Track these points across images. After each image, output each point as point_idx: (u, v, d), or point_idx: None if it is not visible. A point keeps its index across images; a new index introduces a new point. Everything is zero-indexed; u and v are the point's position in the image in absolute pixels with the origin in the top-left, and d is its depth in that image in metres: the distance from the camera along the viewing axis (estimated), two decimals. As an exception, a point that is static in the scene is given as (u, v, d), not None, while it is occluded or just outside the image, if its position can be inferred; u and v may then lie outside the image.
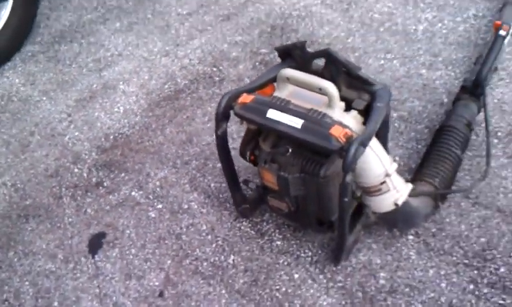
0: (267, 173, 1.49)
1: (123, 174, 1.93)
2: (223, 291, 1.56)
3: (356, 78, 1.46)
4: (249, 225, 1.71)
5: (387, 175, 1.43)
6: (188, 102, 2.18)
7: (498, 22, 1.87)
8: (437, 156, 1.68)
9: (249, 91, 1.50)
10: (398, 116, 1.98)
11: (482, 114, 1.80)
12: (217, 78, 2.27)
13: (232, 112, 1.47)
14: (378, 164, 1.41)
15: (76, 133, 2.14)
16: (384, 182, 1.44)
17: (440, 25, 2.37)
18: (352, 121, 1.40)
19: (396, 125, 1.95)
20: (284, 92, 1.46)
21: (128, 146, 2.04)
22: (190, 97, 2.20)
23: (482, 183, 1.68)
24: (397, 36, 2.34)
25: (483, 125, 1.81)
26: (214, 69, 2.33)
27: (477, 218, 1.63)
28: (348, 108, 1.44)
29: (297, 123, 1.35)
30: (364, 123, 1.39)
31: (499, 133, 1.86)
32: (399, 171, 1.70)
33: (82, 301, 1.60)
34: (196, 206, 1.78)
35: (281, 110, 1.38)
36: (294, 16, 2.56)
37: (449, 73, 2.12)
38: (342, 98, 1.44)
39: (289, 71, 1.43)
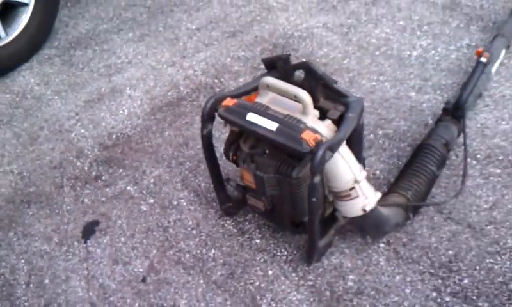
0: (245, 172, 1.61)
1: (121, 170, 2.06)
2: (201, 281, 1.67)
3: (332, 91, 1.58)
4: (232, 223, 1.82)
5: (356, 181, 1.53)
6: (188, 108, 2.32)
7: (480, 49, 1.98)
8: (412, 171, 1.79)
9: (234, 96, 1.62)
10: (383, 133, 2.09)
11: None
12: (217, 89, 2.40)
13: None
14: (347, 170, 1.52)
15: (82, 131, 2.28)
16: (353, 188, 1.54)
17: (433, 52, 2.48)
18: (325, 128, 1.51)
19: (381, 141, 2.06)
20: (265, 98, 1.59)
21: (128, 145, 2.17)
22: (190, 104, 2.34)
23: (457, 200, 1.79)
24: (391, 60, 2.46)
25: (463, 146, 1.92)
26: (216, 80, 2.47)
27: (448, 232, 1.73)
28: (324, 117, 1.56)
29: (272, 126, 1.47)
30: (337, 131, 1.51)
31: (478, 156, 1.96)
32: (379, 184, 1.82)
33: (71, 281, 1.72)
34: (185, 203, 1.91)
35: (260, 114, 1.51)
36: (295, 37, 2.69)
37: (437, 97, 2.23)
38: (319, 109, 1.56)
39: (269, 80, 1.55)
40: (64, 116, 2.37)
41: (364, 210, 1.57)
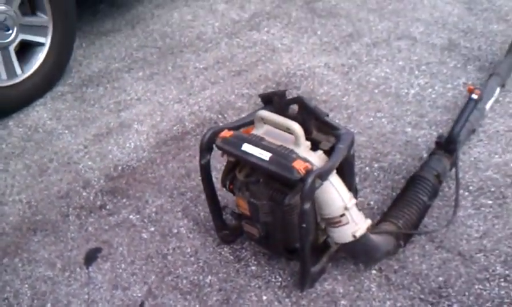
0: (240, 200, 1.68)
1: (124, 200, 2.14)
2: (197, 306, 1.73)
3: (324, 123, 1.66)
4: (230, 251, 1.88)
5: (346, 209, 1.60)
6: (192, 142, 2.41)
7: (471, 87, 2.05)
8: (404, 201, 1.85)
9: (231, 128, 1.71)
10: (379, 166, 2.16)
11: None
12: (221, 124, 2.49)
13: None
14: (337, 198, 1.59)
15: (89, 163, 2.37)
16: (343, 215, 1.61)
17: (430, 90, 2.57)
18: (316, 158, 1.59)
19: (376, 174, 2.13)
20: (260, 130, 1.67)
21: (133, 176, 2.26)
22: (194, 138, 2.43)
23: (449, 229, 1.85)
24: (389, 98, 2.54)
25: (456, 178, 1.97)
26: (220, 116, 2.57)
27: (439, 259, 1.77)
28: (316, 148, 1.64)
29: (266, 156, 1.55)
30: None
31: (470, 187, 2.02)
32: (373, 214, 1.88)
33: (71, 305, 1.78)
34: (184, 232, 1.98)
35: (254, 145, 1.59)
36: (297, 76, 2.79)
37: (432, 132, 2.30)
38: (312, 140, 1.64)
39: (264, 113, 1.64)
40: (73, 148, 2.47)
41: (354, 236, 1.63)
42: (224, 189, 1.76)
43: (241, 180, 1.66)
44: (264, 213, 1.64)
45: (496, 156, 2.15)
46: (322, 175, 1.51)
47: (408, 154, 2.20)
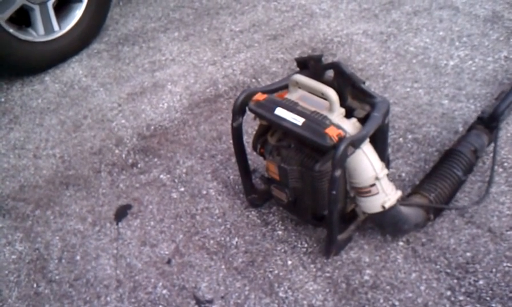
0: (270, 164, 1.68)
1: (155, 159, 2.16)
2: (223, 267, 1.75)
3: (360, 91, 1.63)
4: (257, 214, 1.89)
5: (377, 179, 1.58)
6: (225, 105, 2.41)
7: None
8: (438, 174, 1.82)
9: (265, 91, 1.70)
10: (413, 138, 2.12)
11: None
12: (254, 88, 2.48)
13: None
14: (369, 167, 1.57)
15: (122, 121, 2.40)
16: (373, 185, 1.59)
17: (470, 62, 2.50)
18: (350, 126, 1.57)
19: (409, 145, 2.09)
20: (294, 95, 1.65)
21: (165, 136, 2.27)
22: (227, 101, 2.42)
23: (480, 205, 1.81)
24: (427, 68, 2.48)
25: (492, 154, 1.93)
26: (253, 80, 2.55)
27: (467, 235, 1.75)
28: (351, 116, 1.61)
29: (299, 121, 1.53)
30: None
31: (505, 164, 1.97)
32: (404, 186, 1.86)
33: (100, 259, 1.83)
34: (213, 193, 1.99)
35: (288, 110, 1.57)
36: (334, 42, 2.75)
37: (469, 106, 2.25)
38: (347, 107, 1.61)
39: (298, 77, 1.62)
40: (107, 106, 2.50)
41: (383, 207, 1.61)
42: (254, 153, 1.76)
43: (272, 144, 1.65)
44: (293, 178, 1.63)
45: (535, 132, 2.08)
46: (355, 143, 1.49)
47: (443, 127, 2.15)
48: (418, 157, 2.04)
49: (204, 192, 2.00)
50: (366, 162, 1.57)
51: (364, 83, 1.64)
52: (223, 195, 1.97)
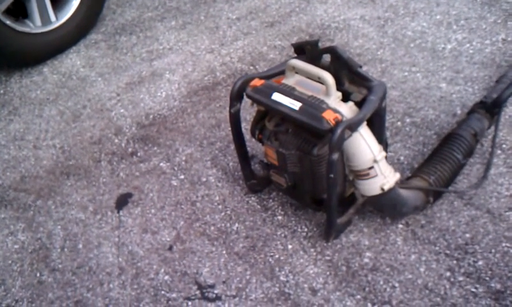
0: (269, 149, 1.68)
1: (155, 148, 2.17)
2: (224, 252, 1.76)
3: (357, 75, 1.64)
4: (257, 200, 1.90)
5: (375, 161, 1.59)
6: (223, 93, 2.41)
7: None
8: (438, 158, 1.83)
9: (262, 77, 1.70)
10: (411, 121, 2.13)
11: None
12: (252, 76, 2.48)
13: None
14: (367, 150, 1.58)
15: (121, 110, 2.41)
16: (372, 167, 1.60)
17: (468, 45, 2.50)
18: (347, 110, 1.57)
19: (407, 129, 2.10)
20: (291, 80, 1.66)
21: (164, 125, 2.28)
22: (225, 89, 2.43)
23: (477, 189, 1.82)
24: (424, 52, 2.48)
25: (490, 136, 1.94)
26: (251, 67, 2.55)
27: (467, 216, 1.76)
28: (348, 100, 1.62)
29: (296, 105, 1.54)
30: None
31: (504, 146, 1.98)
32: (402, 169, 1.87)
33: (102, 246, 1.84)
34: (213, 180, 2.00)
35: (285, 94, 1.58)
36: (332, 28, 2.75)
37: (467, 89, 2.25)
38: (344, 91, 1.62)
39: (295, 62, 1.62)
40: (106, 96, 2.50)
41: (382, 189, 1.62)
42: (253, 139, 1.77)
43: (270, 129, 1.66)
44: (291, 163, 1.64)
45: (533, 114, 2.09)
46: (352, 126, 1.49)
47: (442, 110, 2.16)
48: (417, 141, 2.04)
49: (204, 179, 2.01)
50: (364, 145, 1.57)
51: (361, 67, 1.64)
52: (223, 182, 1.98)
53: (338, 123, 1.46)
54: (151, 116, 2.34)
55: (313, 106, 1.52)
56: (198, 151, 2.13)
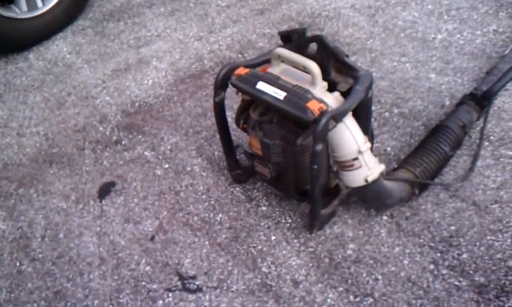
0: (253, 139, 1.66)
1: (140, 136, 2.14)
2: (206, 243, 1.74)
3: (343, 64, 1.61)
4: (241, 190, 1.88)
5: (360, 152, 1.56)
6: (210, 81, 2.38)
7: None
8: (425, 149, 1.80)
9: (247, 66, 1.67)
10: (399, 112, 2.11)
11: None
12: (240, 64, 2.45)
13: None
14: (351, 141, 1.55)
15: (107, 98, 2.37)
16: (356, 158, 1.58)
17: (458, 36, 2.47)
18: (332, 100, 1.55)
19: (395, 119, 2.08)
20: (277, 69, 1.63)
21: (149, 113, 2.25)
22: (212, 77, 2.40)
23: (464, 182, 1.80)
24: (415, 42, 2.46)
25: (478, 128, 1.92)
26: (239, 55, 2.52)
27: (452, 209, 1.74)
28: (334, 90, 1.59)
29: (280, 95, 1.51)
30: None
31: (491, 137, 1.96)
32: (389, 160, 1.85)
33: (84, 236, 1.81)
34: (197, 170, 1.97)
35: (270, 83, 1.55)
36: (322, 16, 2.71)
37: (456, 79, 2.23)
38: (330, 81, 1.59)
39: (280, 50, 1.60)
40: (91, 83, 2.47)
41: (366, 181, 1.60)
42: (238, 129, 1.74)
43: (255, 119, 1.63)
44: (275, 153, 1.62)
45: (522, 106, 2.07)
46: (337, 117, 1.47)
47: (430, 101, 2.13)
48: (404, 131, 2.02)
49: (188, 168, 1.98)
50: (348, 136, 1.55)
51: (347, 56, 1.61)
52: (208, 171, 1.96)
53: (322, 113, 1.44)
54: (136, 104, 2.31)
55: (298, 96, 1.49)
56: (183, 140, 2.11)
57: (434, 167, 1.77)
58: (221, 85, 1.67)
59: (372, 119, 1.75)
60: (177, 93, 2.35)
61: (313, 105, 1.45)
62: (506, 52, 2.20)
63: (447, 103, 2.11)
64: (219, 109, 1.72)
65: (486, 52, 2.35)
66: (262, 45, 2.57)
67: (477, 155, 1.86)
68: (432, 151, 1.78)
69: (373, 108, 1.95)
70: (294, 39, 1.70)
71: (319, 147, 1.46)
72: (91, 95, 2.40)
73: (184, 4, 2.96)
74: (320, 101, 1.48)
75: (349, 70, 1.60)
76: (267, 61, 1.69)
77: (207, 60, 2.52)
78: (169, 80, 2.43)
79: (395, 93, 2.20)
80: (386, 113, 2.11)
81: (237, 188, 1.88)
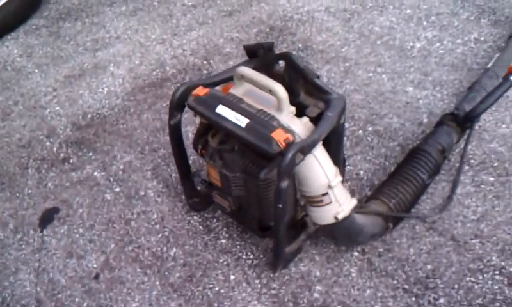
0: (211, 169, 1.48)
1: (90, 154, 1.95)
2: (157, 283, 1.56)
3: (313, 86, 1.44)
4: (200, 220, 1.70)
5: (330, 187, 1.40)
6: (171, 90, 2.19)
7: None
8: (401, 177, 1.64)
9: (207, 84, 1.49)
10: (373, 130, 1.95)
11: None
12: (205, 72, 2.27)
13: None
14: (321, 174, 1.38)
15: (57, 108, 2.16)
16: (326, 194, 1.41)
17: (438, 44, 2.31)
18: (301, 127, 1.37)
19: (369, 138, 1.92)
20: (240, 89, 1.45)
21: (103, 126, 2.05)
22: (174, 86, 2.21)
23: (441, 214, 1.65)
24: (391, 51, 2.29)
25: (458, 149, 1.77)
26: (205, 62, 2.33)
27: (429, 244, 1.59)
28: (303, 114, 1.42)
29: (242, 121, 1.33)
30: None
31: (472, 161, 1.81)
32: (361, 186, 1.69)
33: (19, 273, 1.62)
34: (152, 194, 1.79)
35: (231, 108, 1.36)
36: (294, 20, 2.53)
37: (435, 94, 2.07)
38: (298, 104, 1.42)
39: (244, 70, 1.41)
40: (41, 91, 2.26)
41: (336, 218, 1.43)
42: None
43: (214, 147, 1.44)
44: (236, 186, 1.44)
45: (504, 126, 1.93)
46: (305, 149, 1.30)
47: (407, 118, 1.98)
48: (378, 153, 1.86)
49: (142, 193, 1.80)
50: (318, 169, 1.38)
51: (318, 77, 1.45)
52: (163, 196, 1.77)
53: (289, 145, 1.26)
54: (89, 116, 2.11)
55: (262, 123, 1.31)
56: (138, 158, 1.92)
57: (411, 198, 1.61)
58: (177, 106, 1.49)
59: (344, 139, 1.58)
60: (134, 103, 2.15)
61: (278, 136, 1.27)
62: (489, 66, 2.05)
63: (425, 120, 1.96)
64: (175, 133, 1.54)
65: (466, 63, 2.20)
66: (229, 50, 2.38)
67: (457, 181, 1.71)
68: (408, 180, 1.62)
69: (346, 125, 1.79)
70: (260, 55, 1.52)
71: (285, 184, 1.29)
72: (39, 105, 2.19)
73: (147, 3, 2.75)
74: (287, 130, 1.30)
75: (319, 93, 1.43)
76: (229, 79, 1.51)
77: (169, 66, 2.32)
78: (126, 88, 2.23)
79: (369, 107, 2.04)
80: (360, 131, 1.95)
81: (195, 217, 1.71)
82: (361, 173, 1.81)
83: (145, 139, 1.99)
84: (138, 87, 2.23)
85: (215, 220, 1.69)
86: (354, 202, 1.47)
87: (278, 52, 1.50)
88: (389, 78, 2.17)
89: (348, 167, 1.81)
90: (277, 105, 1.36)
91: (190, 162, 1.66)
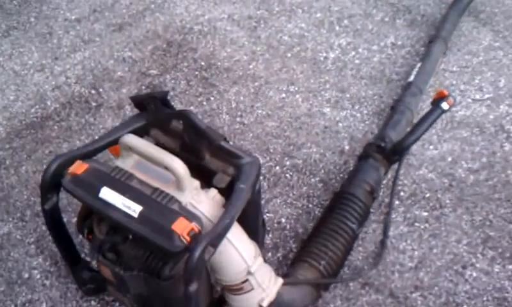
0: (102, 266, 1.19)
1: (-46, 229, 1.60)
2: None
3: (220, 149, 1.18)
4: (98, 305, 1.41)
5: (249, 273, 1.16)
6: (54, 132, 1.86)
7: (444, 92, 1.55)
8: (328, 231, 1.44)
9: (87, 154, 1.19)
10: (291, 164, 1.73)
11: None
12: (94, 104, 1.95)
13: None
14: (238, 260, 1.15)
15: None
16: (246, 280, 1.17)
17: (353, 53, 2.12)
18: (208, 206, 1.12)
19: (288, 175, 1.70)
20: (128, 162, 1.17)
21: (-30, 189, 1.70)
22: (57, 126, 1.88)
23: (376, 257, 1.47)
24: (304, 65, 2.08)
25: (385, 181, 1.60)
26: (93, 91, 2.01)
27: (366, 304, 1.40)
28: (210, 183, 1.16)
29: (134, 210, 1.05)
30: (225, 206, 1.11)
31: (402, 193, 1.64)
32: (285, 236, 1.49)
33: None
34: (38, 276, 1.47)
35: (118, 190, 1.08)
36: (195, 32, 2.25)
37: (355, 114, 1.88)
38: (204, 169, 1.16)
39: (131, 140, 1.13)
40: None
41: (261, 306, 1.20)
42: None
43: (101, 239, 1.15)
44: (135, 284, 1.16)
45: (431, 147, 1.77)
46: (216, 241, 1.04)
47: (326, 146, 1.78)
48: (300, 193, 1.65)
49: (26, 275, 1.48)
50: (234, 254, 1.14)
51: (225, 139, 1.19)
52: (52, 278, 1.47)
53: (195, 238, 1.00)
54: (-48, 176, 1.74)
55: (159, 211, 1.05)
56: (18, 228, 1.59)
57: (342, 254, 1.42)
58: (50, 187, 1.18)
59: (261, 178, 1.34)
60: (11, 152, 1.81)
61: (181, 227, 1.02)
62: (411, 79, 1.87)
63: (347, 147, 1.77)
64: (52, 219, 1.23)
65: (385, 74, 2.02)
66: (121, 74, 2.07)
67: (388, 222, 1.53)
68: (337, 233, 1.43)
69: (261, 161, 1.56)
70: (150, 110, 1.24)
71: (194, 287, 1.03)
72: None
73: (22, 20, 2.37)
74: (192, 216, 1.05)
75: (228, 156, 1.17)
76: (115, 142, 1.22)
77: (50, 100, 1.98)
78: (0, 133, 1.86)
79: (285, 136, 1.82)
80: (277, 167, 1.73)
81: (93, 302, 1.43)
82: (283, 220, 1.59)
83: (25, 201, 1.66)
84: (15, 131, 1.88)
85: (117, 304, 1.41)
86: (279, 282, 1.25)
87: (172, 111, 1.23)
88: (303, 98, 1.95)
89: (268, 214, 1.59)
90: (176, 183, 1.09)
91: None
